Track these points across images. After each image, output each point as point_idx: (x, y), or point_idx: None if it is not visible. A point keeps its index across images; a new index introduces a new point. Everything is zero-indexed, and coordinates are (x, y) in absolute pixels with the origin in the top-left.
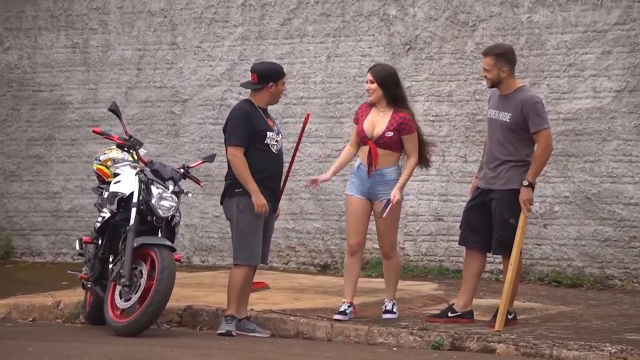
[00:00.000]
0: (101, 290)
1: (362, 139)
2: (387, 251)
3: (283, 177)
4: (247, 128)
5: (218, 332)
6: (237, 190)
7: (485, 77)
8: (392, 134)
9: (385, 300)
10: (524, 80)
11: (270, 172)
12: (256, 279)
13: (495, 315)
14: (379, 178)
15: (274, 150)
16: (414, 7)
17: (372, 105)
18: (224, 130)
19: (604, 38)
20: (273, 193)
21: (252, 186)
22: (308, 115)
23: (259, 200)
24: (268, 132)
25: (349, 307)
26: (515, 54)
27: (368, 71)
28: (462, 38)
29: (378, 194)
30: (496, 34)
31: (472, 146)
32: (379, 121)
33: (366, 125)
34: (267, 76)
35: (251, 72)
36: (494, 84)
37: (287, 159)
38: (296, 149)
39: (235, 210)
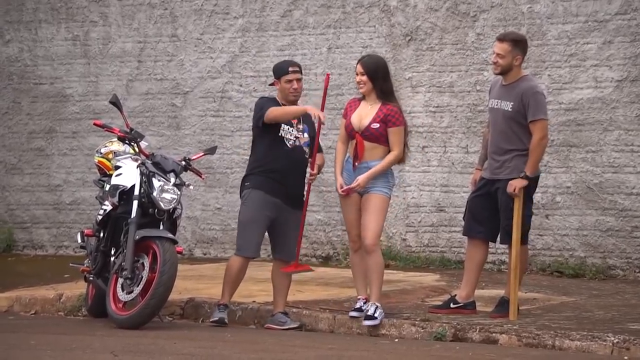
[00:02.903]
0: (103, 283)
1: (350, 132)
2: (369, 243)
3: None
4: (262, 111)
5: (210, 320)
6: (245, 184)
7: (496, 62)
8: (378, 125)
9: (368, 303)
10: (526, 70)
11: (279, 165)
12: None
13: (497, 306)
14: (365, 171)
15: (288, 145)
16: None
17: (361, 99)
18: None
19: (605, 28)
20: (284, 187)
21: (294, 109)
22: (328, 75)
23: (307, 110)
24: (283, 125)
25: (364, 303)
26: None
27: (357, 63)
28: (463, 29)
29: (365, 187)
30: (497, 25)
31: (473, 137)
32: (366, 114)
33: (354, 118)
34: (273, 74)
35: None
36: (504, 71)
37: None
38: (319, 121)
39: (241, 202)
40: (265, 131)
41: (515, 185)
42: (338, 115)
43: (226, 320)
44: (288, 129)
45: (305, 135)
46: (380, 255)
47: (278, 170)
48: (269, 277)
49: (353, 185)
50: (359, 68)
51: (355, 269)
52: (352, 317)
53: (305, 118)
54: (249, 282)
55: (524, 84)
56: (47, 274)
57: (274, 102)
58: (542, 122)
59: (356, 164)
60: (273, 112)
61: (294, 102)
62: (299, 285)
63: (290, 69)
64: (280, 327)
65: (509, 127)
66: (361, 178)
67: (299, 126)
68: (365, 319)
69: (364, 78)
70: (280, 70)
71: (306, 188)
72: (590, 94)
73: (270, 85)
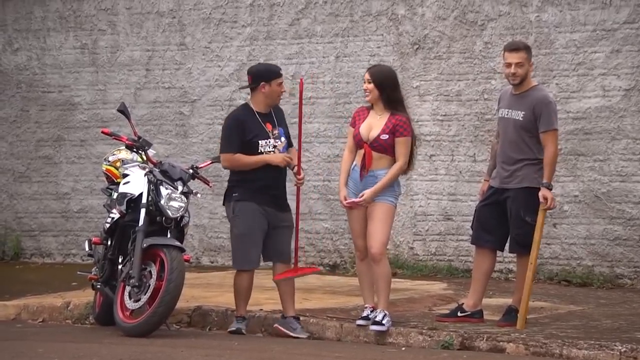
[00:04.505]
0: (111, 291)
1: (358, 142)
2: (375, 252)
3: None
4: (238, 136)
5: (228, 330)
6: (233, 195)
7: (514, 73)
8: (387, 136)
9: (376, 310)
10: (533, 79)
11: (265, 180)
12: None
13: (504, 314)
14: (371, 180)
15: None
16: (422, 7)
17: (369, 108)
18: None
19: (613, 37)
20: (272, 197)
21: (259, 159)
22: (302, 80)
23: (277, 158)
24: (260, 141)
25: (371, 311)
26: None
27: (366, 71)
28: (471, 37)
29: None
30: (505, 33)
31: (481, 145)
32: (375, 124)
33: (362, 128)
34: (259, 76)
35: (247, 74)
36: (522, 80)
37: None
38: (300, 125)
39: (230, 215)
40: (245, 148)
41: (547, 196)
42: (346, 123)
43: (243, 331)
44: (266, 143)
45: (283, 139)
46: (387, 264)
47: (265, 183)
48: (275, 285)
49: (358, 200)
50: (366, 76)
51: (362, 278)
52: (359, 325)
53: (279, 119)
54: (256, 291)
55: (536, 93)
56: (54, 281)
57: (244, 114)
58: (555, 132)
59: (363, 173)
60: (237, 163)
61: (271, 106)
62: (306, 294)
63: (281, 72)
64: (289, 333)
65: (520, 137)
66: (367, 193)
67: (274, 132)
68: (372, 324)
69: (370, 86)
70: (271, 73)
71: (295, 194)
72: (598, 103)
73: (242, 88)
